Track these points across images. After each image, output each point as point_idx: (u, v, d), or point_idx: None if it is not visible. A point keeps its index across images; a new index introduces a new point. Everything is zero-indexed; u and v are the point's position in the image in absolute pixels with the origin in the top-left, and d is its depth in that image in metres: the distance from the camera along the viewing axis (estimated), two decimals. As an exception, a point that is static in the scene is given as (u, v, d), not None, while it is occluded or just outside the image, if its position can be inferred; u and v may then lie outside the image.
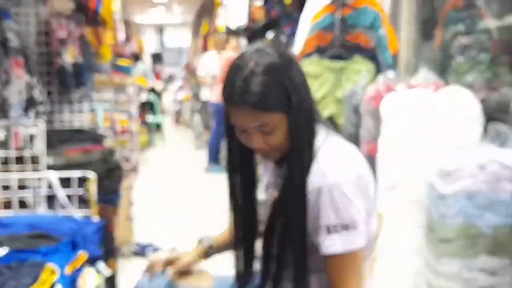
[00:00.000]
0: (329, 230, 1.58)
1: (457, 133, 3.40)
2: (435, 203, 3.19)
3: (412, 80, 3.69)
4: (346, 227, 1.57)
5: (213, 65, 8.74)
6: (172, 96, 15.83)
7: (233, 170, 1.85)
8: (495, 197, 2.99)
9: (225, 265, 2.08)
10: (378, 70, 4.57)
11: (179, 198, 7.43)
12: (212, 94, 8.88)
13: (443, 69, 3.75)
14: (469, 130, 3.41)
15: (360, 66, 4.58)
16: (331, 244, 1.59)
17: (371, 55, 4.63)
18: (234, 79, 1.57)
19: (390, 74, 3.90)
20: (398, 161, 3.48)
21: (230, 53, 8.20)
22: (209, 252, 2.15)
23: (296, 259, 1.63)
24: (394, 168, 3.50)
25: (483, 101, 3.47)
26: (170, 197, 7.24)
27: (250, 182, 1.86)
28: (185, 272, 2.07)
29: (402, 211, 3.46)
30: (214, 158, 8.61)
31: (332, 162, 1.66)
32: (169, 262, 2.10)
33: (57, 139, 3.50)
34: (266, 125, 1.60)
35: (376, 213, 1.86)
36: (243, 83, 1.55)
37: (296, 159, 1.64)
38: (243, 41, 9.07)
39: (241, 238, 1.88)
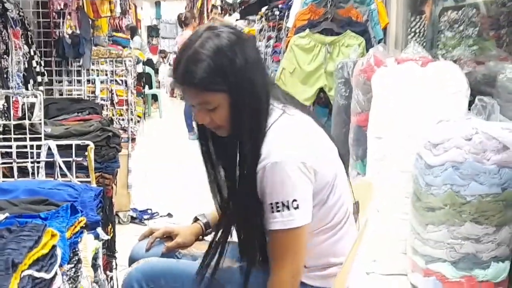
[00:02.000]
0: (271, 207, 1.63)
1: (445, 105, 3.48)
2: (422, 173, 3.28)
3: (401, 54, 3.75)
4: (287, 206, 1.60)
5: None
6: (167, 69, 15.83)
7: (203, 140, 1.87)
8: (480, 167, 3.08)
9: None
10: (369, 44, 4.63)
11: (174, 166, 7.53)
12: None
13: (432, 43, 3.81)
14: (456, 103, 3.48)
15: (351, 40, 4.64)
16: (272, 221, 1.64)
17: (362, 29, 4.68)
18: (180, 59, 1.64)
19: (380, 48, 3.96)
20: (387, 133, 3.56)
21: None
22: (206, 230, 2.12)
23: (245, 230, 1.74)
24: (383, 139, 3.58)
25: (470, 75, 3.54)
26: (165, 165, 7.34)
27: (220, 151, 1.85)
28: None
29: (390, 181, 3.55)
30: (191, 127, 8.90)
31: (278, 142, 1.66)
32: (166, 234, 2.09)
33: (55, 108, 3.53)
34: (208, 103, 1.64)
35: (341, 188, 1.82)
36: (185, 63, 1.61)
37: (236, 138, 1.68)
38: (236, 16, 9.07)
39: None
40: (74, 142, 2.49)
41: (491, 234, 3.10)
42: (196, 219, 2.14)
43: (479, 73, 3.56)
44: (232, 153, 1.72)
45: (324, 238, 1.80)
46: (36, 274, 1.05)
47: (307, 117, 1.79)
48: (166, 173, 6.90)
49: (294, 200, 1.62)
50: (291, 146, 1.66)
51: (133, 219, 4.59)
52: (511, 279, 3.19)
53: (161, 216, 4.74)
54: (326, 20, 4.78)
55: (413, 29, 4.29)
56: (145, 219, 4.65)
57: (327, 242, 1.81)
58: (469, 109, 3.42)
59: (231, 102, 1.63)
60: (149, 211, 4.82)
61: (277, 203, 1.62)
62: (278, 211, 1.62)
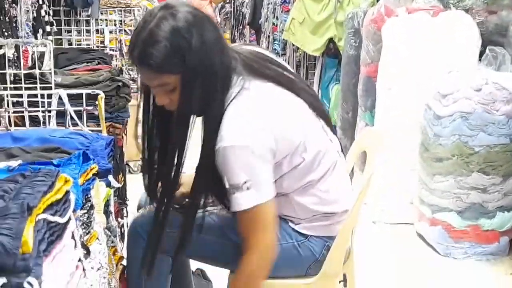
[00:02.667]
0: (230, 189, 1.63)
1: (455, 56, 3.46)
2: (431, 123, 3.28)
3: (412, 3, 3.70)
4: (238, 188, 1.61)
5: None
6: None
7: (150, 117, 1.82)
8: (489, 118, 3.09)
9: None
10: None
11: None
12: None
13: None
14: (467, 53, 3.46)
15: (362, -11, 4.57)
16: (234, 203, 1.64)
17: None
18: (136, 40, 1.59)
19: (391, -3, 3.90)
20: (397, 83, 3.55)
21: None
22: None
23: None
24: (392, 90, 3.57)
25: (481, 24, 3.50)
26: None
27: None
28: None
29: (399, 132, 3.56)
30: None
31: (230, 125, 1.64)
32: None
33: (65, 58, 3.52)
34: (166, 85, 1.62)
35: (316, 141, 1.80)
36: (142, 45, 1.56)
37: (185, 118, 1.67)
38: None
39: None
40: (84, 91, 2.49)
41: (498, 184, 3.14)
42: None
43: (491, 22, 3.52)
44: (179, 135, 1.72)
45: (314, 190, 1.81)
46: (51, 218, 1.08)
47: (270, 86, 1.75)
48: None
49: (245, 182, 1.62)
50: (242, 129, 1.64)
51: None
52: (516, 229, 3.23)
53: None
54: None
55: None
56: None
57: (318, 194, 1.81)
58: (480, 60, 3.41)
59: (182, 82, 1.60)
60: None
61: (231, 185, 1.63)
62: (233, 193, 1.64)
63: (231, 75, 1.68)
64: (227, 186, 1.64)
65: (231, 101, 1.66)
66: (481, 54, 3.40)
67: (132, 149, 4.39)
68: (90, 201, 1.53)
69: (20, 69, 2.79)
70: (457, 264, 3.13)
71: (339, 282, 1.95)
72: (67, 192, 1.21)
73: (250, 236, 1.67)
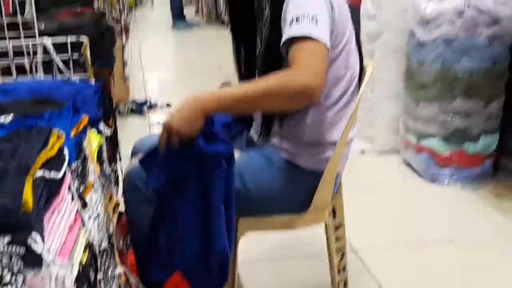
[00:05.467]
0: (291, 22, 1.61)
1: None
2: (414, 50, 3.32)
3: None
4: (307, 18, 1.58)
5: None
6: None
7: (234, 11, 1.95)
8: (471, 42, 3.12)
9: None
10: None
11: (168, 55, 7.57)
12: None
13: None
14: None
15: None
16: (291, 31, 1.59)
17: None
18: None
19: None
20: (380, 11, 3.55)
21: None
22: None
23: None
24: (376, 18, 3.58)
25: None
26: (159, 55, 7.35)
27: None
28: None
29: (384, 60, 3.59)
30: (176, 15, 8.84)
31: None
32: None
33: (47, 2, 3.51)
34: None
35: (355, 55, 1.85)
36: None
37: None
38: None
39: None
40: (69, 39, 2.49)
41: (481, 108, 3.20)
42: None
43: None
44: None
45: (328, 113, 1.84)
46: (47, 175, 1.13)
47: None
48: (161, 62, 6.93)
49: (314, 16, 1.61)
50: None
51: (132, 111, 4.67)
52: (499, 151, 3.32)
53: (160, 107, 4.81)
54: None
55: None
56: (144, 110, 4.73)
57: (330, 117, 1.84)
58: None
59: None
60: (148, 102, 4.89)
61: (297, 16, 1.61)
62: (297, 22, 1.60)
63: None
64: (289, 18, 1.62)
65: None
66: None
67: (120, 92, 4.44)
68: (83, 152, 1.57)
69: (2, 18, 2.76)
70: (443, 189, 3.23)
71: (329, 214, 2.03)
72: (61, 148, 1.25)
73: (308, 61, 1.57)
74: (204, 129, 1.60)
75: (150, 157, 1.70)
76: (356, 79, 1.89)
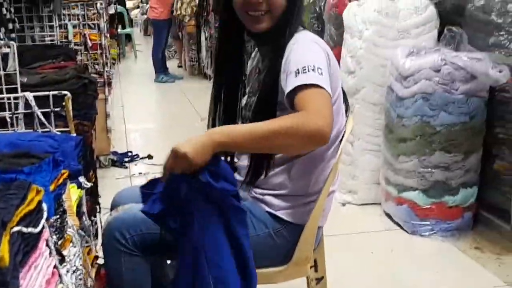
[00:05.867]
0: (296, 72, 1.65)
1: (415, 37, 3.53)
2: (393, 105, 3.37)
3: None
4: (312, 69, 1.64)
5: None
6: (140, 6, 15.56)
7: (223, 59, 1.98)
8: (449, 97, 3.18)
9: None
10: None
11: (151, 107, 7.61)
12: (150, 11, 9.31)
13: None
14: (426, 33, 3.54)
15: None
16: (299, 79, 1.64)
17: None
18: None
19: (350, -19, 3.96)
20: (359, 67, 3.62)
21: None
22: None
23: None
24: (355, 73, 3.64)
25: (439, 5, 3.58)
26: (142, 106, 7.39)
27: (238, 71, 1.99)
28: None
29: (364, 114, 3.64)
30: (159, 68, 8.98)
31: (306, 33, 1.81)
32: None
33: (29, 56, 3.52)
34: None
35: (343, 113, 1.91)
36: None
37: (280, 28, 1.79)
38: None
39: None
40: (51, 92, 2.50)
41: (460, 162, 3.23)
42: None
43: (448, 3, 3.60)
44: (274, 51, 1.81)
45: (320, 166, 1.87)
46: (25, 230, 1.12)
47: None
48: (143, 114, 6.96)
49: (319, 68, 1.66)
50: (319, 38, 1.82)
51: (114, 163, 4.65)
52: (478, 204, 3.35)
53: (141, 158, 4.81)
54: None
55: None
56: (125, 162, 4.72)
57: (314, 170, 1.87)
58: (439, 40, 3.49)
59: None
60: (129, 154, 4.88)
61: (303, 67, 1.65)
62: (304, 72, 1.65)
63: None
64: (294, 68, 1.66)
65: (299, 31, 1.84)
66: (440, 34, 3.48)
67: (102, 144, 4.44)
68: (62, 205, 1.57)
69: (-16, 71, 2.77)
70: (424, 241, 3.24)
71: (310, 267, 2.02)
72: (39, 202, 1.25)
73: (315, 105, 1.59)
74: (210, 164, 1.56)
75: (151, 185, 1.66)
76: (341, 134, 1.92)
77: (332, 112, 1.62)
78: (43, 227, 1.22)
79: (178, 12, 8.97)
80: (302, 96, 1.62)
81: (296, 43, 1.76)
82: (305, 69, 1.64)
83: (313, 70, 1.64)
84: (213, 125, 2.02)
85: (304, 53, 1.72)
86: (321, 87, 1.61)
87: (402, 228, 3.36)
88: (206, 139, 1.55)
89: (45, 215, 1.25)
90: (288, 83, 1.66)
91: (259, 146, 1.63)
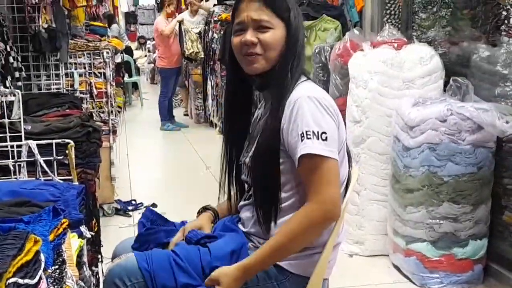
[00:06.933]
0: (302, 136, 1.69)
1: (420, 87, 3.53)
2: (400, 155, 3.34)
3: (377, 37, 3.79)
4: (316, 136, 1.69)
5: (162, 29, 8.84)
6: (147, 55, 15.75)
7: (230, 109, 2.02)
8: (456, 148, 3.15)
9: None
10: (345, 27, 4.67)
11: (156, 155, 7.60)
12: (158, 60, 9.40)
13: (407, 25, 3.85)
14: (431, 84, 3.54)
15: (327, 24, 4.68)
16: (302, 147, 1.68)
17: (338, 12, 4.71)
18: None
19: (356, 31, 3.99)
20: (365, 116, 3.61)
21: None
22: (215, 217, 2.11)
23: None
24: (361, 123, 3.62)
25: (444, 56, 3.59)
26: (147, 155, 7.38)
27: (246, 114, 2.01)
28: None
29: (370, 164, 3.61)
30: (165, 116, 9.03)
31: (309, 86, 1.82)
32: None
33: (35, 104, 3.52)
34: (265, 21, 1.82)
35: (346, 162, 1.91)
36: None
37: (282, 70, 1.82)
38: (214, 1, 9.03)
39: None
40: (54, 140, 2.50)
41: (469, 213, 3.18)
42: (204, 209, 2.13)
43: (453, 54, 3.61)
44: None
45: None
46: (21, 281, 1.09)
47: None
48: (148, 162, 6.94)
49: (324, 133, 1.70)
50: (323, 92, 1.82)
51: (117, 211, 4.61)
52: (488, 256, 3.28)
53: (145, 207, 4.76)
54: (302, 5, 4.80)
55: (388, 11, 4.32)
56: (129, 210, 4.67)
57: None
58: (444, 90, 3.49)
59: (288, 30, 1.84)
60: (133, 202, 4.84)
61: (307, 131, 1.70)
62: (309, 138, 1.70)
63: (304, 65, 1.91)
64: (299, 132, 1.71)
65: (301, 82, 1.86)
66: (446, 84, 3.48)
67: (105, 192, 4.41)
68: (61, 255, 1.53)
69: (-12, 120, 2.77)
70: (433, 294, 3.16)
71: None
72: (37, 252, 1.22)
73: (321, 183, 1.69)
74: None
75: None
76: (345, 184, 1.91)
77: (339, 185, 1.73)
78: (40, 278, 1.19)
79: (191, 51, 8.99)
80: (308, 167, 1.71)
81: (300, 98, 1.76)
82: (309, 134, 1.70)
83: (319, 136, 1.70)
84: (229, 179, 2.06)
85: (310, 112, 1.73)
86: (327, 157, 1.69)
87: (411, 280, 3.28)
88: (244, 276, 1.74)
89: (42, 265, 1.21)
90: (297, 147, 1.72)
91: (285, 256, 1.78)
